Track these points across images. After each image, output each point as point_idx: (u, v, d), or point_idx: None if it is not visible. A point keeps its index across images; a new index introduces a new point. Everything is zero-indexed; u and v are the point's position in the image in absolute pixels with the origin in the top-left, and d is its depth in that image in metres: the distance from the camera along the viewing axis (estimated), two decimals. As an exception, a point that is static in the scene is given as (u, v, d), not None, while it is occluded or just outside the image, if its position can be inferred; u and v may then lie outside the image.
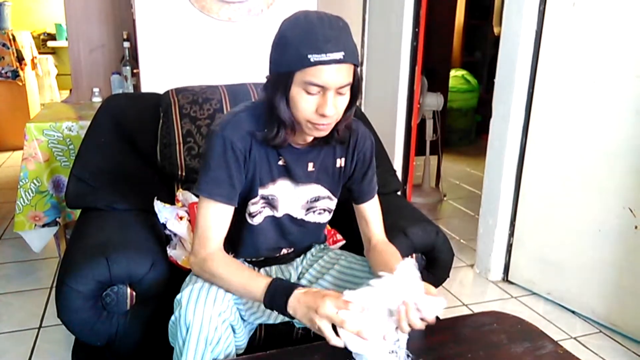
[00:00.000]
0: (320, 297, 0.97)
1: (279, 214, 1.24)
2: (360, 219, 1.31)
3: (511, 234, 2.45)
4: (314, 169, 1.22)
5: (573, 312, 2.24)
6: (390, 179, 1.89)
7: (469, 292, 2.42)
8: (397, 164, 3.16)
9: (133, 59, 2.55)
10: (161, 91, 1.76)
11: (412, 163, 3.21)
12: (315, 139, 1.15)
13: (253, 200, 1.19)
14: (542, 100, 2.24)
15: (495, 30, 4.94)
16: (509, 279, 2.49)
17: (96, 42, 2.77)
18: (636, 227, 1.99)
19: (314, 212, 1.27)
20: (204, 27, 2.21)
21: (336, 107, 1.04)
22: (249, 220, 1.22)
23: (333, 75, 1.01)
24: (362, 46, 3.33)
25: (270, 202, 1.22)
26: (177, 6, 2.16)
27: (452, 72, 4.62)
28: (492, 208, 2.47)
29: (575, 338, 2.08)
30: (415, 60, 3.01)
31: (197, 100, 1.68)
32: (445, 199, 3.65)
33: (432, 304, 0.99)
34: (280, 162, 1.19)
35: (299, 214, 1.26)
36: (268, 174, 1.18)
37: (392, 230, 1.62)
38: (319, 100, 1.03)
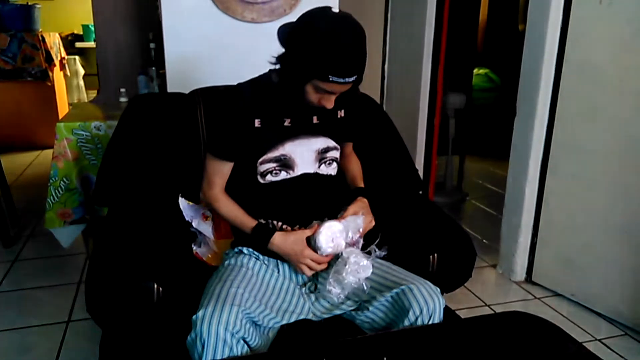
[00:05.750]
0: (299, 248, 1.30)
1: (294, 173, 1.37)
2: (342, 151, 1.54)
3: (535, 234, 2.43)
4: (318, 121, 1.38)
5: (598, 313, 2.21)
6: (412, 178, 1.89)
7: (491, 293, 2.40)
8: (419, 163, 3.15)
9: (159, 60, 2.59)
10: (186, 91, 1.79)
11: (435, 162, 3.20)
12: None
13: (261, 160, 1.34)
14: (567, 99, 2.21)
15: (520, 27, 4.87)
16: (533, 279, 2.47)
17: (123, 43, 2.82)
18: (664, 228, 1.96)
19: (325, 163, 1.41)
20: (228, 28, 2.23)
21: (336, 100, 1.29)
22: (260, 179, 1.36)
23: (341, 88, 1.24)
24: (384, 45, 3.32)
25: (285, 163, 1.35)
26: (202, 8, 2.18)
27: (475, 70, 4.58)
28: (516, 208, 2.45)
29: (599, 340, 2.05)
30: (437, 58, 3.00)
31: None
32: (467, 198, 3.62)
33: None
34: (286, 123, 1.35)
35: (313, 167, 1.39)
36: (275, 137, 1.34)
37: (413, 229, 1.63)
38: (324, 96, 1.26)
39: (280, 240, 1.31)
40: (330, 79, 1.18)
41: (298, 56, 1.21)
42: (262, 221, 1.36)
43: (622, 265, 2.10)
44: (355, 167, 1.57)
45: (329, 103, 1.27)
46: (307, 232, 1.32)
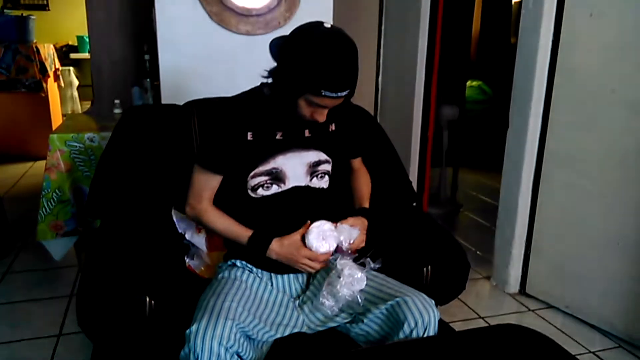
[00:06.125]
0: (295, 249, 1.31)
1: (286, 186, 1.36)
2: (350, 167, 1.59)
3: (528, 246, 2.43)
4: (310, 135, 1.38)
5: (592, 325, 2.20)
6: (406, 189, 1.89)
7: (485, 305, 2.40)
8: (413, 175, 3.16)
9: (153, 72, 2.59)
10: (180, 103, 1.80)
11: (428, 174, 3.21)
12: None
13: (252, 174, 1.34)
14: (559, 110, 2.23)
15: (512, 39, 4.92)
16: (527, 291, 2.47)
17: (118, 55, 2.83)
18: (656, 240, 1.96)
19: (317, 176, 1.41)
20: (223, 40, 2.24)
21: (328, 114, 1.29)
22: (251, 194, 1.36)
23: (333, 102, 1.24)
24: (378, 57, 3.35)
25: (276, 176, 1.35)
26: (197, 20, 2.19)
27: (468, 83, 4.61)
28: (509, 219, 2.46)
29: (593, 352, 2.04)
30: (431, 70, 3.02)
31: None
32: (461, 210, 3.63)
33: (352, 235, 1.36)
34: (278, 137, 1.35)
35: (305, 180, 1.39)
36: (266, 151, 1.34)
37: (407, 241, 1.63)
38: (316, 110, 1.26)
39: (276, 246, 1.32)
40: (323, 94, 1.19)
41: (290, 70, 1.21)
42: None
43: (616, 277, 2.10)
44: (363, 186, 1.57)
45: (321, 117, 1.28)
46: (301, 231, 1.33)
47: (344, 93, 1.21)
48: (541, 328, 1.96)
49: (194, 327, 1.13)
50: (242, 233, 1.34)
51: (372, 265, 1.32)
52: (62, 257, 2.38)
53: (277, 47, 1.26)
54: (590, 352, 2.05)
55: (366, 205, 1.52)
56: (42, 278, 2.54)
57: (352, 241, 1.34)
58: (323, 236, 1.31)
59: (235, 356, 1.14)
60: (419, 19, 2.95)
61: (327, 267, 1.36)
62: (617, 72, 2.03)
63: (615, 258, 2.09)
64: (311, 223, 1.33)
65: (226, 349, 1.12)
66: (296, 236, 1.33)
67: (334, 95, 1.20)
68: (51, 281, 2.51)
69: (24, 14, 4.58)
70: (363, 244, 1.39)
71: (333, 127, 1.44)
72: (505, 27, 5.07)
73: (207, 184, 1.36)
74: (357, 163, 1.59)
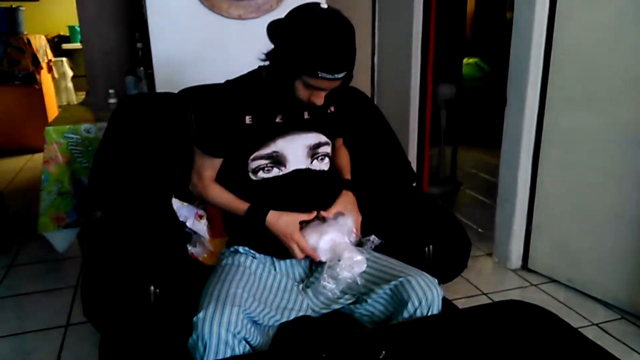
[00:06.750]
0: (292, 230, 1.30)
1: (286, 169, 1.35)
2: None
3: (529, 222, 2.44)
4: (309, 117, 1.38)
5: (594, 298, 2.22)
6: (405, 170, 1.89)
7: (488, 281, 2.41)
8: (412, 155, 3.15)
9: (146, 60, 2.57)
10: (175, 90, 1.78)
11: (427, 153, 3.20)
12: None
13: (252, 157, 1.33)
14: (556, 85, 2.22)
15: (508, 14, 4.87)
16: (529, 266, 2.48)
17: (110, 44, 2.80)
18: (657, 212, 1.97)
19: (317, 158, 1.40)
20: (215, 26, 2.22)
21: (325, 97, 1.28)
22: (251, 176, 1.35)
23: (331, 84, 1.23)
24: (373, 37, 3.31)
25: (276, 160, 1.34)
26: (188, 5, 2.16)
27: (465, 60, 4.58)
28: (509, 196, 2.46)
29: (597, 325, 2.06)
30: (427, 49, 2.99)
31: (211, 98, 1.69)
32: (461, 188, 3.63)
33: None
34: (278, 120, 1.34)
35: (305, 163, 1.38)
36: (266, 134, 1.33)
37: (408, 222, 1.63)
38: (313, 92, 1.25)
39: (272, 218, 1.32)
40: (319, 75, 1.18)
41: (287, 52, 1.21)
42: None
43: (616, 249, 2.11)
44: (344, 160, 1.58)
45: (319, 99, 1.27)
46: (304, 217, 1.32)
47: (341, 75, 1.20)
48: (544, 302, 1.97)
49: (201, 315, 1.14)
50: (240, 206, 1.35)
51: (373, 242, 1.33)
52: (65, 249, 2.38)
53: (274, 29, 1.25)
54: (593, 324, 2.07)
55: (347, 177, 1.54)
56: (46, 270, 2.55)
57: (353, 230, 1.34)
58: (333, 248, 1.29)
59: (243, 342, 1.15)
60: (413, -3, 2.92)
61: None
62: (612, 46, 2.01)
63: (615, 231, 2.10)
64: (320, 221, 1.32)
65: (234, 335, 1.12)
66: (296, 218, 1.31)
67: (330, 76, 1.18)
68: (56, 273, 2.52)
69: (13, 5, 4.52)
70: (360, 218, 1.41)
71: (332, 109, 1.44)
72: (501, 2, 5.02)
73: (207, 165, 1.38)
74: (339, 142, 1.59)
